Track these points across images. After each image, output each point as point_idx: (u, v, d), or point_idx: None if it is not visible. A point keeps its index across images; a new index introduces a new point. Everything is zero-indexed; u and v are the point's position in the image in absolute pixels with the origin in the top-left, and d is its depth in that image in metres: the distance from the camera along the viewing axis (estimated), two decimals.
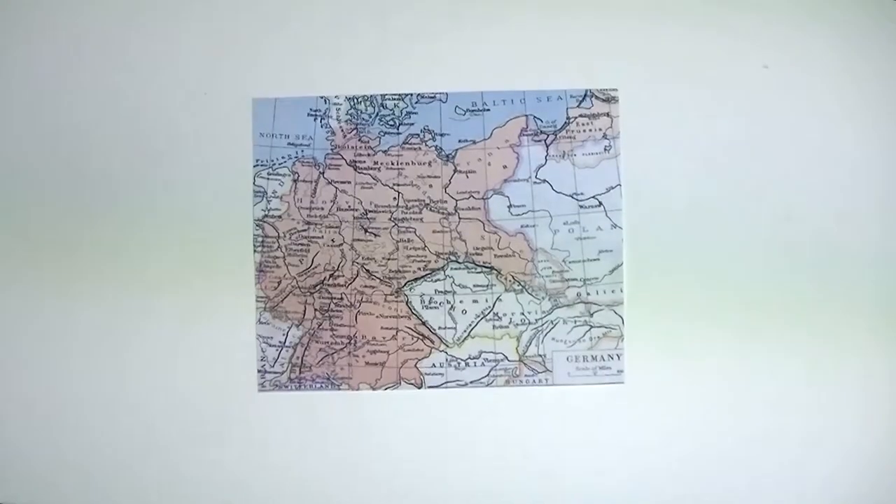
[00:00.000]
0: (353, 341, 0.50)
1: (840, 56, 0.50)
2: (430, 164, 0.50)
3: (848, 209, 0.49)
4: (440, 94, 0.50)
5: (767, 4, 0.50)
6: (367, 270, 0.50)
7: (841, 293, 0.49)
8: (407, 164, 0.50)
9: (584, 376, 0.49)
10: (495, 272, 0.49)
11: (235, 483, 0.49)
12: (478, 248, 0.49)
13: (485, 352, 0.49)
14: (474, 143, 0.50)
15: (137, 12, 0.50)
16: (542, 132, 0.50)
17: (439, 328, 0.49)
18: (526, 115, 0.50)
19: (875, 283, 0.49)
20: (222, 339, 0.49)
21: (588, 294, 0.49)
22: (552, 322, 0.49)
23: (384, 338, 0.50)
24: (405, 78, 0.50)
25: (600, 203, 0.50)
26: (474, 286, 0.49)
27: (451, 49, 0.50)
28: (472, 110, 0.50)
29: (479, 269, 0.49)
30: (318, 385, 0.50)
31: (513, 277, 0.49)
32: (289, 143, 0.50)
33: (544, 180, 0.50)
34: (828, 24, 0.50)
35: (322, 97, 0.50)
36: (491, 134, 0.50)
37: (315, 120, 0.50)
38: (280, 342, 0.50)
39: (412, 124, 0.50)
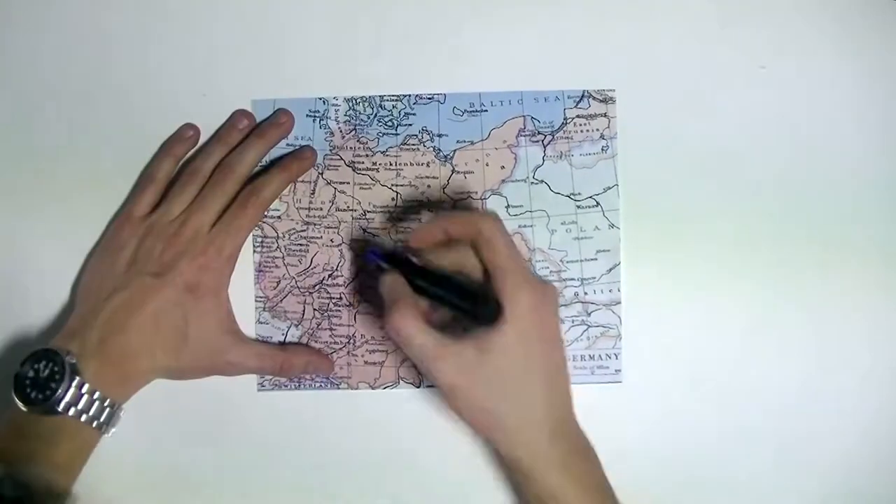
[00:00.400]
0: (351, 341, 0.50)
1: (838, 56, 0.50)
2: (428, 164, 0.50)
3: (848, 209, 0.49)
4: (438, 95, 0.50)
5: (765, 5, 0.50)
6: (366, 270, 0.50)
7: (844, 293, 0.49)
8: (405, 164, 0.50)
9: (582, 375, 0.49)
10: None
11: (234, 482, 0.49)
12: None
13: None
14: (472, 143, 0.50)
15: (135, 13, 0.51)
16: (539, 133, 0.50)
17: None
18: (523, 116, 0.50)
19: (880, 291, 0.49)
20: None
21: (586, 293, 0.50)
22: None
23: (383, 337, 0.50)
24: (403, 79, 0.50)
25: (598, 203, 0.50)
26: None
27: (449, 50, 0.50)
28: (470, 111, 0.50)
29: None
30: (318, 384, 0.50)
31: None
32: (287, 144, 0.50)
33: (542, 181, 0.50)
34: (825, 24, 0.50)
35: (321, 98, 0.50)
36: (489, 135, 0.50)
37: (314, 121, 0.50)
38: (279, 342, 0.50)
39: (410, 125, 0.50)
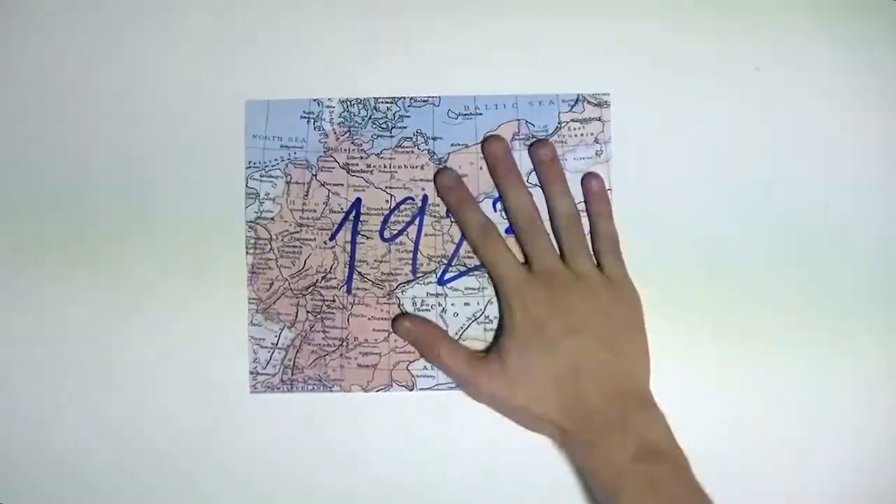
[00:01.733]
0: (345, 343, 0.50)
1: (833, 57, 0.50)
2: (422, 167, 0.50)
3: (845, 211, 0.50)
4: (433, 97, 0.50)
5: (759, 7, 0.50)
6: (360, 273, 0.50)
7: (839, 296, 0.49)
8: (399, 167, 0.50)
9: None
10: (487, 275, 0.49)
11: (227, 484, 0.49)
12: (469, 252, 0.50)
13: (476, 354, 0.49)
14: (467, 146, 0.50)
15: (128, 13, 0.50)
16: (534, 136, 0.50)
17: None
18: (518, 120, 0.50)
19: (874, 285, 0.50)
20: (214, 341, 0.49)
21: None
22: None
23: (376, 340, 0.50)
24: (398, 81, 0.50)
25: None
26: (466, 289, 0.50)
27: (444, 53, 0.50)
28: (465, 114, 0.50)
29: (470, 273, 0.50)
30: (311, 387, 0.50)
31: None
32: (281, 146, 0.50)
33: (536, 184, 0.50)
34: (821, 25, 0.50)
35: (315, 100, 0.50)
36: (483, 138, 0.50)
37: (308, 122, 0.50)
38: (272, 344, 0.50)
39: (405, 128, 0.50)
